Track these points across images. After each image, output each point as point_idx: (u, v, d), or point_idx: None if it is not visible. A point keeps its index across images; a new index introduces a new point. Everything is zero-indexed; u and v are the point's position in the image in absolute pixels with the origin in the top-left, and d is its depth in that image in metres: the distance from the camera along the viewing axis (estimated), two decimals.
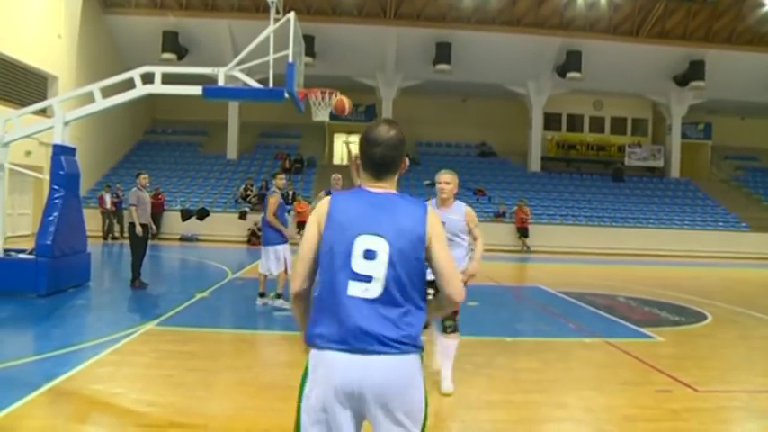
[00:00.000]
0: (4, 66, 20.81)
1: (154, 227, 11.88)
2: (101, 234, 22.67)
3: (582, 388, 6.00)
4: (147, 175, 11.60)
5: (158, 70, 10.98)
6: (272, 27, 10.61)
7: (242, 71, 10.92)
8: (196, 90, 10.86)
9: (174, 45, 27.70)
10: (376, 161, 2.67)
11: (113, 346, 6.83)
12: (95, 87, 11.00)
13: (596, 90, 32.43)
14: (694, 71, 30.37)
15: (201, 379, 5.91)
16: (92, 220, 20.39)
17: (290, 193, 26.77)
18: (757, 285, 13.62)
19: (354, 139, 38.57)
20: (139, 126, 32.41)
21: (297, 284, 2.64)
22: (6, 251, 10.78)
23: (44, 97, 20.84)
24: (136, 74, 10.93)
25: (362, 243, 2.49)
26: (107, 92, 11.13)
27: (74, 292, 10.56)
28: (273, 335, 7.84)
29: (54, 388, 5.34)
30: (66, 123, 10.89)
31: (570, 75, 29.73)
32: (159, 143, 32.64)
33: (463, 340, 8.09)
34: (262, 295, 10.00)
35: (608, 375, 6.53)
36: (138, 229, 11.01)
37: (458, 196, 5.82)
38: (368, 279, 2.46)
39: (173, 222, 24.66)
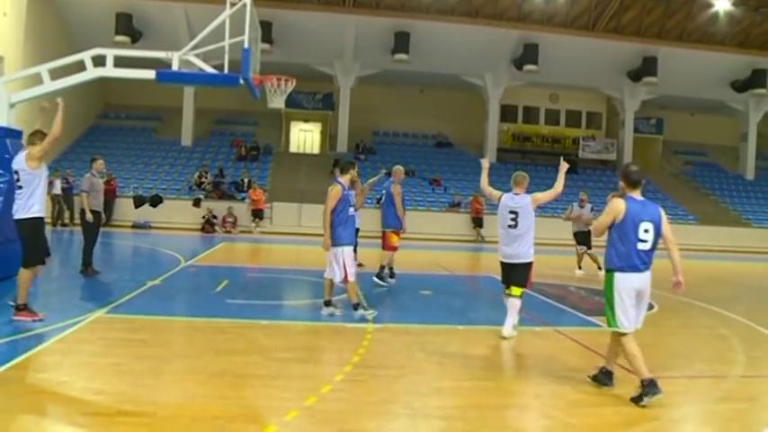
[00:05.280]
0: None
1: (103, 215, 11.65)
2: (50, 220, 22.11)
3: (531, 375, 6.12)
4: (102, 161, 11.37)
5: (110, 53, 10.74)
6: (227, 12, 10.47)
7: (197, 56, 10.78)
8: (149, 74, 10.68)
9: (128, 28, 27.08)
10: None
11: (60, 334, 6.69)
12: (43, 68, 10.70)
13: (552, 83, 32.90)
14: (647, 67, 31.05)
15: (151, 367, 5.83)
16: None
17: (245, 180, 26.57)
18: (702, 276, 14.06)
19: (311, 127, 38.08)
20: (91, 110, 31.62)
21: None
22: None
23: None
24: (86, 56, 10.68)
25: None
26: (56, 73, 10.84)
27: None
28: (226, 322, 7.76)
29: None
30: (11, 105, 10.58)
31: (527, 67, 30.05)
32: (112, 128, 31.92)
33: (416, 328, 8.18)
34: (327, 304, 8.51)
35: (556, 363, 6.66)
36: (89, 216, 10.81)
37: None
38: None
39: (125, 209, 24.19)
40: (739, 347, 7.82)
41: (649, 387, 5.23)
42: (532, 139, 35.02)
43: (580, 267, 15.12)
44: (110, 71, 10.76)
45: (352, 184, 8.78)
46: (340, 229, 8.29)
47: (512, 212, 7.53)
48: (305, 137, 36.01)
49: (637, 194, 5.54)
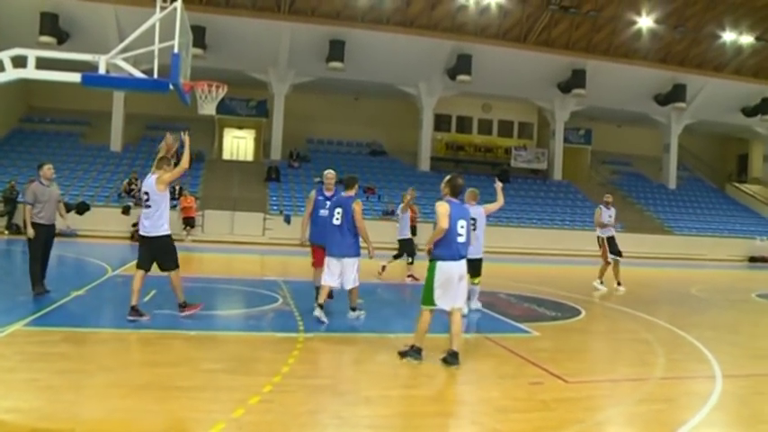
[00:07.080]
0: None
1: (64, 224, 11.00)
2: None
3: (459, 382, 6.18)
4: (50, 167, 10.34)
5: (32, 53, 10.23)
6: (157, 15, 10.19)
7: (126, 60, 10.43)
8: (74, 77, 10.25)
9: (54, 28, 26.12)
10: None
11: None
12: None
13: (485, 93, 33.51)
14: (576, 79, 32.01)
15: (71, 381, 5.62)
16: None
17: (177, 187, 26.01)
18: (627, 283, 14.52)
19: (244, 134, 37.55)
20: (12, 113, 30.38)
21: None
22: None
23: None
24: (5, 56, 10.15)
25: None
26: None
27: None
28: (152, 334, 7.56)
29: None
30: None
31: (460, 77, 30.51)
32: (36, 132, 30.72)
33: (346, 337, 8.16)
34: (353, 309, 9.21)
35: (485, 369, 6.76)
36: (29, 231, 9.91)
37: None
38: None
39: None
40: (660, 350, 8.10)
41: (415, 352, 6.73)
42: (465, 149, 35.56)
43: (619, 283, 14.47)
44: (31, 73, 10.25)
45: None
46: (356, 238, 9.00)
47: (472, 219, 8.69)
48: (238, 144, 35.54)
49: (455, 199, 6.99)
